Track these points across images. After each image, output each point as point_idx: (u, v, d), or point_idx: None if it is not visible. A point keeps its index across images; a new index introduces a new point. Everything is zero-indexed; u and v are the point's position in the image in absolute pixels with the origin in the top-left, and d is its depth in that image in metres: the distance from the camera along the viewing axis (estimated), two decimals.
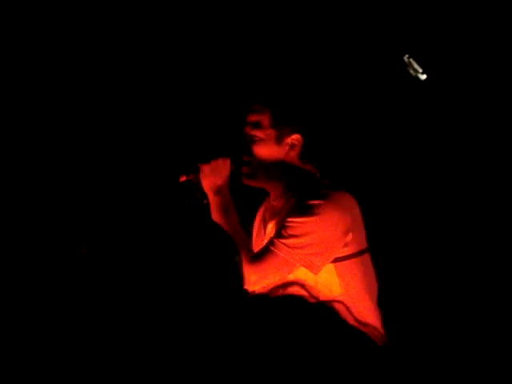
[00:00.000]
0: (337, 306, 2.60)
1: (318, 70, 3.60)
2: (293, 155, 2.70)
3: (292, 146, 2.69)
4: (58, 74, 3.73)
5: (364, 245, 2.65)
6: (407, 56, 3.17)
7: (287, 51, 3.64)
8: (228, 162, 2.71)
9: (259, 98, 2.74)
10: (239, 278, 2.62)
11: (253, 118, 2.72)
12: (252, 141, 2.70)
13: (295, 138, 2.68)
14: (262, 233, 2.79)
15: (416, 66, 3.22)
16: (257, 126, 2.70)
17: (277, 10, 3.66)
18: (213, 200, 2.70)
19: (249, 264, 2.58)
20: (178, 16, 3.73)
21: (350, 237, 2.57)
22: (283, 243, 2.54)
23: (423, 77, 3.28)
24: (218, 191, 2.69)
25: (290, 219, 2.56)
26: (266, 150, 2.69)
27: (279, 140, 2.68)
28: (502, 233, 3.59)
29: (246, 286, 2.62)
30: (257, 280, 2.58)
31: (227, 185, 2.71)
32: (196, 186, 2.74)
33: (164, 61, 3.76)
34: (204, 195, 2.73)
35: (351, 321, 2.60)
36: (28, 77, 3.69)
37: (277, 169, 2.70)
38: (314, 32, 3.65)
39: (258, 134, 2.69)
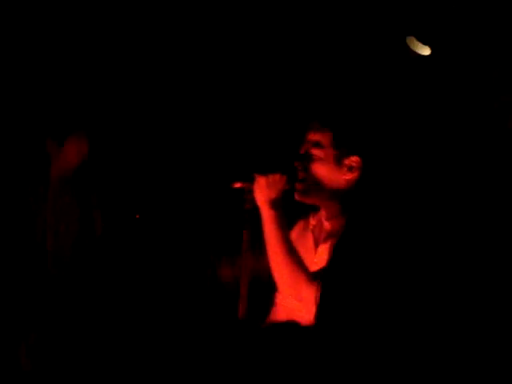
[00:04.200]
0: None
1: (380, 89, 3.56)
2: (351, 177, 2.68)
3: (350, 168, 2.68)
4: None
5: None
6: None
7: (352, 71, 3.62)
8: (285, 178, 2.69)
9: (321, 117, 2.74)
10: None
11: (313, 136, 2.72)
12: (311, 159, 2.71)
13: (354, 160, 2.68)
14: (311, 250, 2.76)
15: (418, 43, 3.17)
16: (317, 144, 2.70)
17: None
18: (267, 214, 2.67)
19: (307, 281, 2.58)
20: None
21: None
22: None
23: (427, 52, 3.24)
24: (273, 205, 2.66)
25: None
26: (324, 170, 2.69)
27: (338, 161, 2.68)
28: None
29: (287, 296, 2.63)
30: (305, 298, 2.57)
31: (281, 200, 2.69)
32: (247, 196, 2.73)
33: (224, 68, 3.74)
34: (254, 205, 2.71)
35: None
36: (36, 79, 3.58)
37: (333, 189, 2.69)
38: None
39: (318, 152, 2.69)
